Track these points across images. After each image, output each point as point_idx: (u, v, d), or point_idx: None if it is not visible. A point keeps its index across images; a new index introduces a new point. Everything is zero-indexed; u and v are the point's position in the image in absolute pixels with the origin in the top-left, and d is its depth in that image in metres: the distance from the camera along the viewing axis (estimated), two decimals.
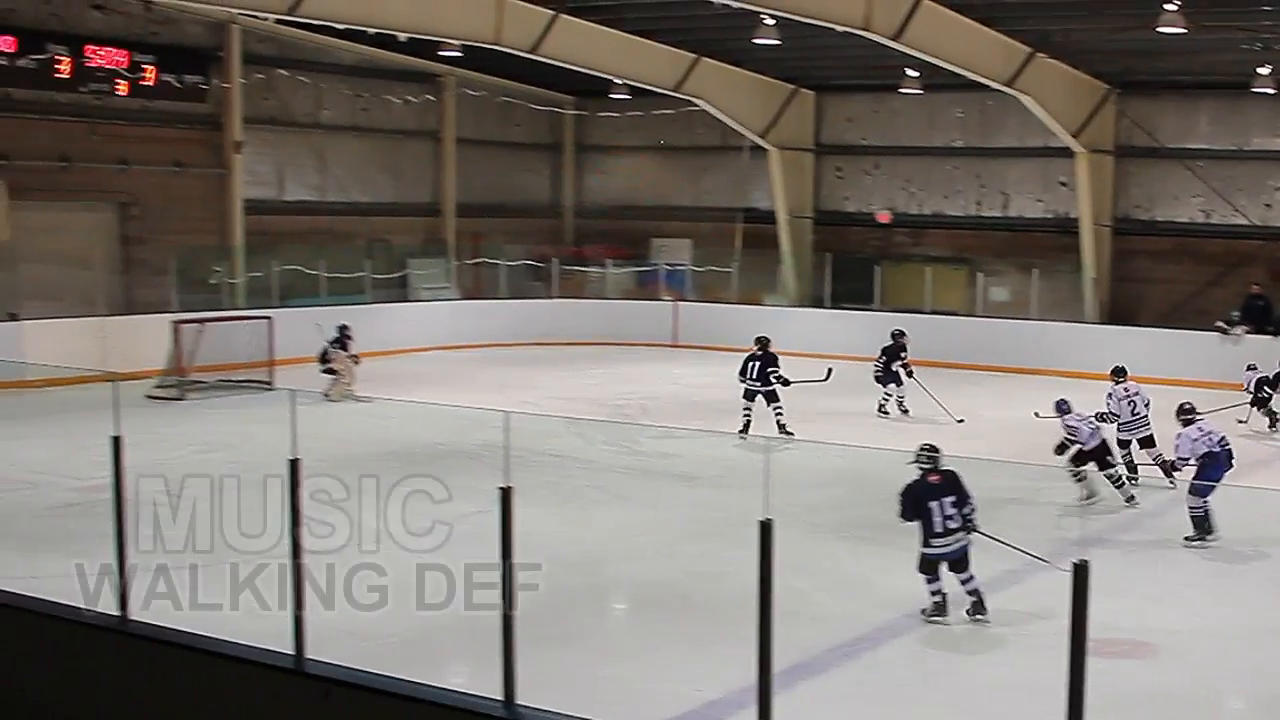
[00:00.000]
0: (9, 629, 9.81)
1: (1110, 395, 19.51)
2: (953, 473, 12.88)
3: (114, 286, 29.85)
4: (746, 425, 21.94)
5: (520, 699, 8.31)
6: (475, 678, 9.06)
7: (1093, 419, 18.17)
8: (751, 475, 17.12)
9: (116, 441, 9.35)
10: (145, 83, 30.68)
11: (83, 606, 9.68)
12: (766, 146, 36.89)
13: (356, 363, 26.16)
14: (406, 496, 17.36)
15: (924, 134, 36.83)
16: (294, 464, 8.80)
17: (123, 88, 30.30)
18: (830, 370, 23.88)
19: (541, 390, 26.66)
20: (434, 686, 8.93)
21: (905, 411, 24.77)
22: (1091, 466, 17.50)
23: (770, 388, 22.20)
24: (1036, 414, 19.27)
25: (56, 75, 29.19)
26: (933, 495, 12.67)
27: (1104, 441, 17.80)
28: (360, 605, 12.47)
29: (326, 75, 35.32)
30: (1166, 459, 17.04)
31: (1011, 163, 35.89)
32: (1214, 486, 15.41)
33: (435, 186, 38.40)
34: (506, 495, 8.24)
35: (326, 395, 25.17)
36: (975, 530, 12.86)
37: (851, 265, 35.26)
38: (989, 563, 13.52)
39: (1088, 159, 32.81)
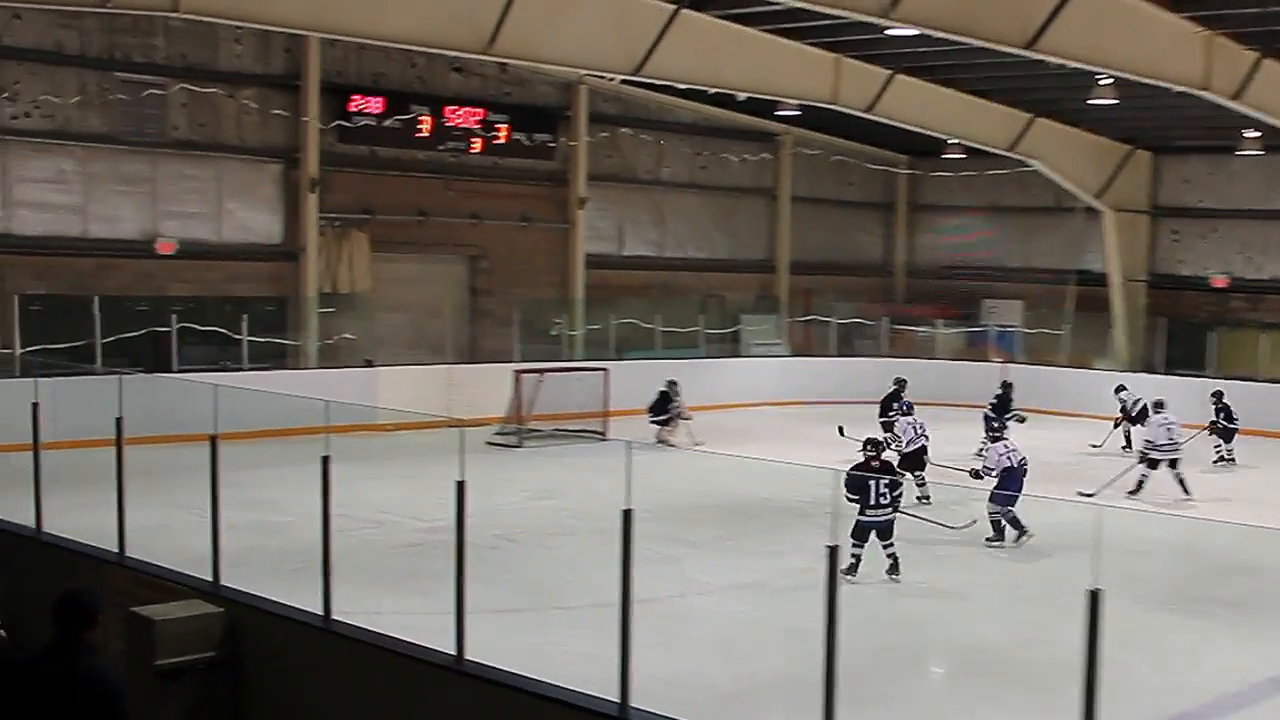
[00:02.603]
0: (351, 663, 10.09)
1: (1150, 423, 22.14)
2: (890, 463, 17.19)
3: (461, 336, 30.81)
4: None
5: None
6: None
7: (919, 424, 20.78)
8: (1078, 540, 16.66)
9: (461, 486, 9.53)
10: (498, 141, 31.71)
11: (422, 644, 9.88)
12: (1101, 208, 35.95)
13: (686, 418, 26.61)
14: (734, 550, 17.47)
15: (1263, 196, 35.36)
16: (627, 514, 8.83)
17: (477, 145, 31.33)
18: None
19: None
20: None
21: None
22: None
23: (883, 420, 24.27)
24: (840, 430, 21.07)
25: (418, 134, 30.38)
26: (873, 475, 15.69)
27: (923, 447, 20.63)
28: (685, 654, 12.53)
29: (667, 133, 35.88)
30: (975, 468, 18.88)
31: None
32: (1015, 496, 17.66)
33: (769, 243, 38.57)
34: (833, 554, 8.10)
35: (666, 441, 25.67)
36: (899, 510, 16.14)
37: (1185, 330, 34.09)
38: None
39: None
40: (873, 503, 15.54)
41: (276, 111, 28.68)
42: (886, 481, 15.76)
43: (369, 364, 28.19)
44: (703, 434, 26.27)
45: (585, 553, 16.34)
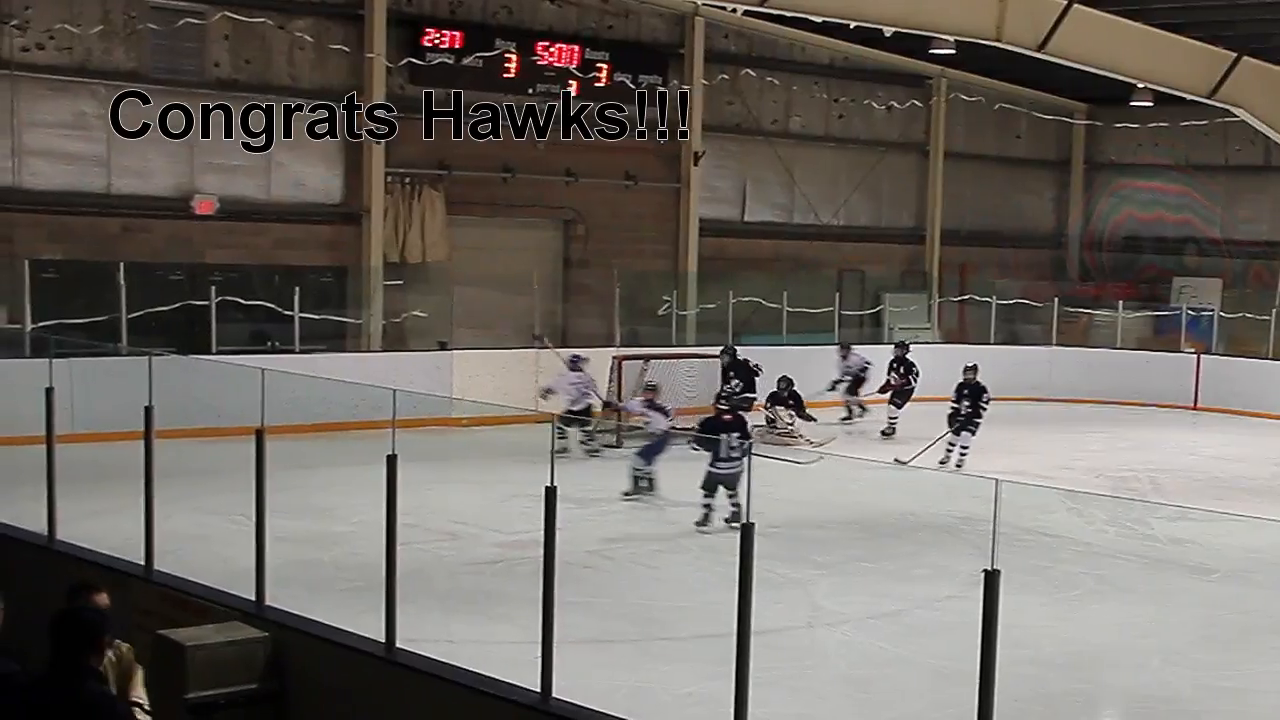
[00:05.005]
0: (417, 700, 10.12)
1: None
2: (743, 418, 20.01)
3: (551, 314, 30.79)
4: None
5: None
6: None
7: (587, 384, 24.79)
8: None
9: (551, 493, 9.49)
10: (597, 84, 31.58)
11: (502, 679, 9.89)
12: None
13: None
14: (871, 574, 17.36)
15: None
16: (747, 530, 8.77)
17: (572, 89, 31.20)
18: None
19: (1031, 455, 26.08)
20: None
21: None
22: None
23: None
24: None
25: (503, 75, 30.33)
26: (725, 429, 18.77)
27: (589, 407, 24.63)
28: (812, 695, 12.47)
29: (799, 76, 35.74)
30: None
31: None
32: (658, 455, 20.69)
33: (919, 209, 38.35)
34: (991, 581, 7.95)
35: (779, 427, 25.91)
36: (749, 455, 17.71)
37: None
38: None
39: None
40: (723, 455, 18.32)
41: (336, 46, 28.77)
42: (738, 435, 18.76)
43: (443, 347, 28.24)
44: (831, 435, 26.14)
45: (696, 574, 16.30)
